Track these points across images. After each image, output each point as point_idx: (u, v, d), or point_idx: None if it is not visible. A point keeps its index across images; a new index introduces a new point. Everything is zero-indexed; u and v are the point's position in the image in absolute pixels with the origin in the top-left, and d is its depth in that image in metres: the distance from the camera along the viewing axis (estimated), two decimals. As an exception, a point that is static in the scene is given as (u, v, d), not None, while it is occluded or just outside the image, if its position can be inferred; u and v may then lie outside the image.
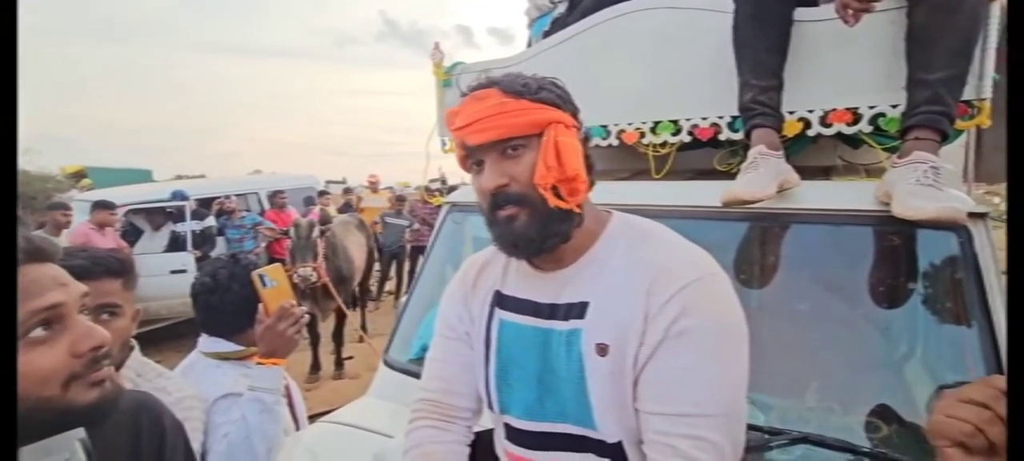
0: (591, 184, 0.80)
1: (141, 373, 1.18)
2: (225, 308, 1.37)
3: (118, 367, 1.15)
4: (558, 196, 0.73)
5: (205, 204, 6.34)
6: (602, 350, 0.73)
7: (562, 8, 1.77)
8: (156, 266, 5.44)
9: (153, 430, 0.88)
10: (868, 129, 1.28)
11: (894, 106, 1.24)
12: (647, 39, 1.52)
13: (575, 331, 0.76)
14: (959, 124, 1.17)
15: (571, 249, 0.78)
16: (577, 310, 0.77)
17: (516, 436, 0.84)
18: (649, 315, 0.71)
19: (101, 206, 5.13)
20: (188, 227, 5.82)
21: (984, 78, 1.16)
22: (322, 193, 7.63)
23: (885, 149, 1.33)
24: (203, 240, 5.91)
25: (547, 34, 1.81)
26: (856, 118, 1.29)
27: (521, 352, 0.82)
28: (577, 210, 0.76)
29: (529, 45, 2.20)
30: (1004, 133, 1.32)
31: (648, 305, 0.71)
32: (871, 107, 1.27)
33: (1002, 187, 1.55)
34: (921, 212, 1.02)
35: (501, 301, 0.86)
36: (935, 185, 1.05)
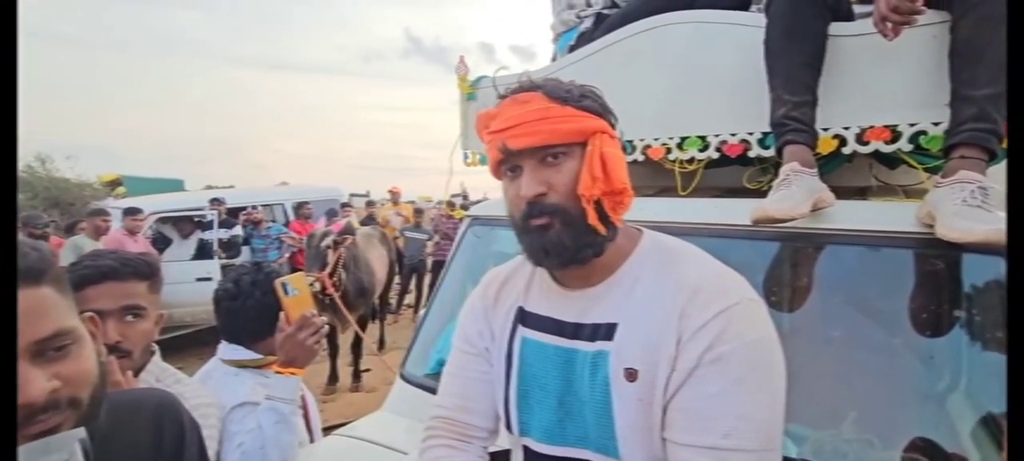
0: None
1: (160, 378, 1.19)
2: (246, 314, 1.38)
3: (139, 370, 1.15)
4: (600, 210, 0.71)
5: (233, 213, 6.49)
6: (631, 375, 0.70)
7: (589, 22, 1.76)
8: (183, 273, 5.56)
9: (173, 428, 0.88)
10: (908, 148, 1.23)
11: (936, 124, 1.18)
12: (674, 53, 1.50)
13: (602, 353, 0.73)
14: (1006, 142, 1.11)
15: (601, 266, 0.75)
16: (605, 331, 0.73)
17: (535, 460, 0.80)
18: (682, 340, 0.67)
19: (129, 213, 5.37)
20: (215, 235, 5.95)
21: (1034, 95, 1.10)
22: (345, 205, 7.73)
23: (926, 169, 1.27)
24: (229, 247, 6.04)
25: (573, 49, 1.79)
26: (895, 136, 1.23)
27: (543, 372, 0.79)
28: (618, 225, 0.73)
29: (553, 60, 2.20)
30: None
31: (681, 328, 0.67)
32: (911, 125, 1.21)
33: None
34: (969, 234, 0.96)
35: (524, 318, 0.83)
36: (983, 206, 0.99)
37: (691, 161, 1.50)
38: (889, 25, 1.08)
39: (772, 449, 0.66)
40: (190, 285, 5.49)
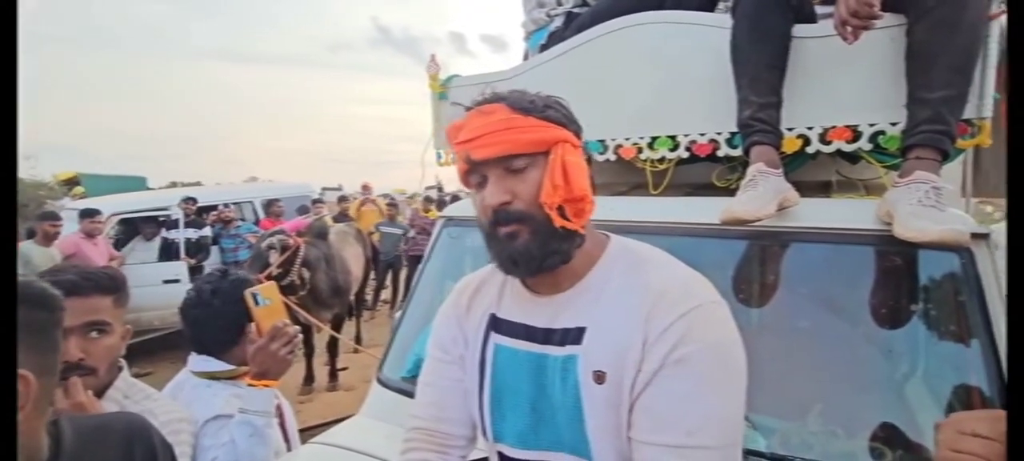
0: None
1: (129, 395, 1.16)
2: (210, 324, 1.35)
3: (106, 388, 1.12)
4: (563, 216, 0.72)
5: (201, 212, 6.31)
6: (599, 377, 0.71)
7: (559, 22, 1.77)
8: (149, 276, 5.39)
9: (144, 453, 0.86)
10: (868, 147, 1.27)
11: (894, 124, 1.23)
12: (645, 54, 1.51)
13: (571, 357, 0.74)
14: (960, 143, 1.16)
15: (569, 272, 0.77)
16: (574, 335, 0.75)
17: None
18: (648, 342, 0.69)
19: (87, 215, 5.06)
20: (181, 235, 5.77)
21: (984, 97, 1.15)
22: (317, 201, 7.59)
23: (885, 167, 1.32)
24: (198, 249, 5.87)
25: (544, 47, 1.79)
26: (856, 136, 1.28)
27: (515, 378, 0.80)
28: (581, 231, 0.75)
29: (525, 58, 2.20)
30: (1002, 149, 1.31)
31: (647, 331, 0.69)
32: (871, 125, 1.26)
33: (996, 199, 1.53)
34: (924, 234, 1.00)
35: (496, 325, 0.84)
36: (937, 206, 1.04)
37: (662, 160, 1.53)
38: (849, 29, 1.11)
39: (733, 445, 0.68)
40: (157, 288, 5.33)
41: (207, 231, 6.01)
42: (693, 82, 1.45)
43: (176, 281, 5.44)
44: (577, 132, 0.78)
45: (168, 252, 5.78)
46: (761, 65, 1.27)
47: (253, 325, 1.26)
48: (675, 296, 0.70)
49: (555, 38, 1.75)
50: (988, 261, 1.10)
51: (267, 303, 1.27)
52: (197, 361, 1.35)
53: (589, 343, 0.74)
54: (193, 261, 5.70)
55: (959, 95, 1.10)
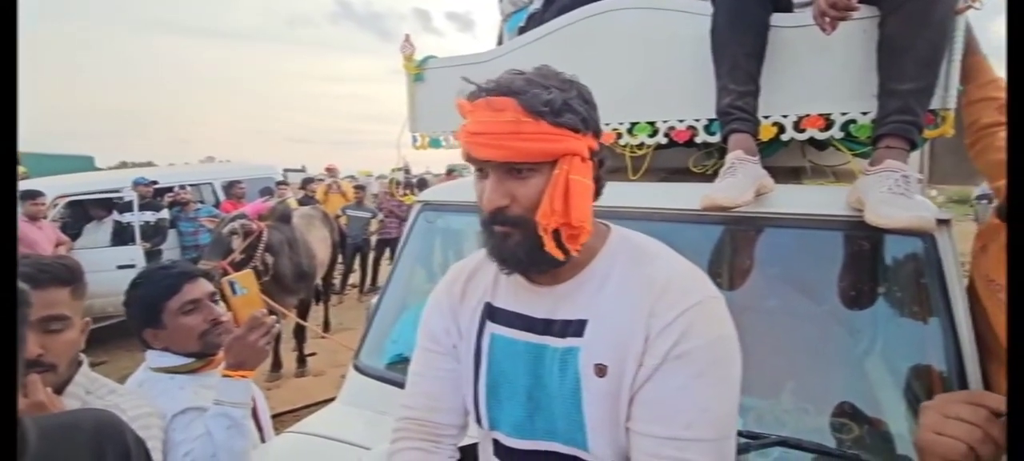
0: (598, 193, 0.78)
1: (91, 390, 1.10)
2: (130, 312, 1.30)
3: (66, 384, 1.06)
4: (557, 241, 0.70)
5: (158, 194, 6.03)
6: (600, 371, 0.72)
7: (538, 3, 1.74)
8: (102, 261, 5.13)
9: (117, 450, 0.82)
10: (840, 135, 1.31)
11: (865, 113, 1.27)
12: (624, 39, 1.51)
13: (572, 349, 0.74)
14: (926, 133, 1.21)
15: (570, 264, 0.75)
16: (575, 328, 0.75)
17: (504, 453, 0.82)
18: (650, 337, 0.69)
19: (28, 197, 4.72)
20: (137, 218, 5.50)
21: (949, 89, 1.20)
22: (281, 183, 7.37)
23: (855, 154, 1.37)
24: (155, 232, 5.61)
25: (523, 30, 1.77)
26: (828, 124, 1.31)
27: (512, 368, 0.80)
28: (574, 254, 0.72)
29: (500, 41, 2.17)
30: (958, 139, 1.37)
31: (649, 326, 0.70)
32: (843, 114, 1.30)
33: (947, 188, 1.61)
34: (894, 221, 1.05)
35: (492, 314, 0.83)
36: (906, 194, 1.08)
37: (641, 146, 1.54)
38: (827, 19, 1.14)
39: (728, 438, 0.69)
40: (111, 273, 5.07)
41: (165, 214, 5.73)
42: (673, 68, 1.46)
43: (131, 266, 5.19)
44: (596, 132, 0.75)
45: (122, 236, 5.50)
46: (740, 53, 1.28)
47: (230, 314, 1.22)
48: (677, 292, 0.70)
49: (534, 20, 1.72)
50: (948, 245, 1.16)
51: (244, 292, 1.23)
52: (154, 357, 1.30)
53: (590, 336, 0.73)
54: (149, 246, 5.45)
55: (927, 87, 1.15)
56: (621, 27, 1.51)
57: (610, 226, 0.82)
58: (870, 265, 1.26)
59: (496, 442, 0.83)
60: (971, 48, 1.24)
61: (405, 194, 1.93)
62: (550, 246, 0.69)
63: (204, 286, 1.29)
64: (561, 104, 0.69)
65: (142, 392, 1.24)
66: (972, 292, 1.16)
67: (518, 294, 0.81)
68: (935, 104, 1.20)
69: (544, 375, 0.77)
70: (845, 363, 1.24)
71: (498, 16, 2.17)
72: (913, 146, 1.17)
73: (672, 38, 1.45)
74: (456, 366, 0.87)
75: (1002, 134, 1.23)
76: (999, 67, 1.33)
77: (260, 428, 1.42)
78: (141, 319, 1.28)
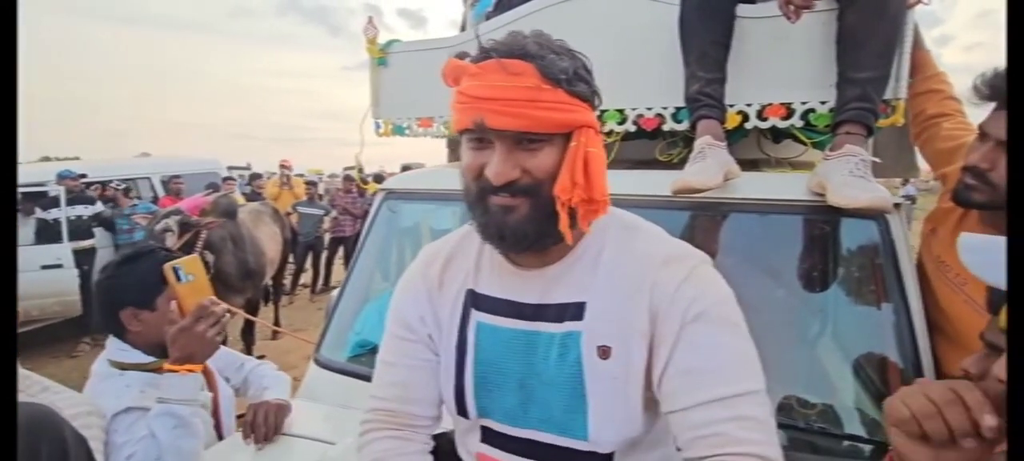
0: None
1: (23, 389, 0.99)
2: (114, 283, 1.20)
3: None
4: (572, 217, 0.66)
5: (88, 188, 5.60)
6: (605, 353, 0.69)
7: (506, -11, 1.72)
8: (25, 261, 4.72)
9: (53, 448, 0.74)
10: (800, 124, 1.36)
11: (823, 102, 1.32)
12: (593, 26, 1.51)
13: (572, 334, 0.71)
14: (880, 122, 1.27)
15: (558, 243, 0.71)
16: (573, 311, 0.72)
17: (497, 439, 0.78)
18: (659, 310, 0.67)
19: None
20: (64, 214, 5.08)
21: (900, 80, 1.26)
22: (227, 178, 7.01)
23: (813, 143, 1.42)
24: (87, 231, 5.21)
25: (490, 16, 1.74)
26: (789, 113, 1.36)
27: (501, 356, 0.76)
28: (585, 230, 0.69)
29: (463, 28, 2.13)
30: (895, 131, 1.45)
31: (654, 299, 0.67)
32: (803, 103, 1.34)
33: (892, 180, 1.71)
34: (855, 201, 1.09)
35: (476, 301, 0.79)
36: (866, 177, 1.14)
37: (610, 134, 1.54)
38: (792, 7, 1.17)
39: (764, 389, 0.66)
40: (35, 274, 4.69)
41: (99, 208, 5.31)
42: (641, 56, 1.48)
43: (58, 266, 4.82)
44: (598, 107, 0.72)
45: (47, 234, 5.08)
46: (708, 41, 1.31)
47: (174, 304, 1.13)
48: (677, 261, 0.69)
49: (502, 7, 1.70)
50: (900, 227, 1.22)
51: (189, 279, 1.14)
52: (115, 348, 1.20)
53: (591, 318, 0.70)
54: (78, 244, 5.06)
55: (883, 76, 1.21)
56: (590, 14, 1.51)
57: None
58: (829, 247, 1.31)
59: (487, 429, 0.80)
60: (917, 43, 1.32)
61: (367, 184, 1.85)
62: (565, 222, 0.65)
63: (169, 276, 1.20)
64: (573, 73, 0.66)
65: (91, 388, 1.15)
66: (921, 272, 1.23)
67: (503, 279, 0.77)
68: (888, 94, 1.26)
69: (537, 362, 0.73)
70: (804, 341, 1.29)
71: (462, 5, 2.13)
72: (870, 132, 1.23)
73: (641, 26, 1.46)
74: (431, 355, 0.82)
75: (946, 124, 1.31)
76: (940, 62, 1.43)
77: (219, 427, 1.33)
78: (127, 295, 1.18)
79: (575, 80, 0.66)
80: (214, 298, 1.15)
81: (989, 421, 0.56)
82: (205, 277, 1.18)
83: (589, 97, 0.68)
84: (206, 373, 1.28)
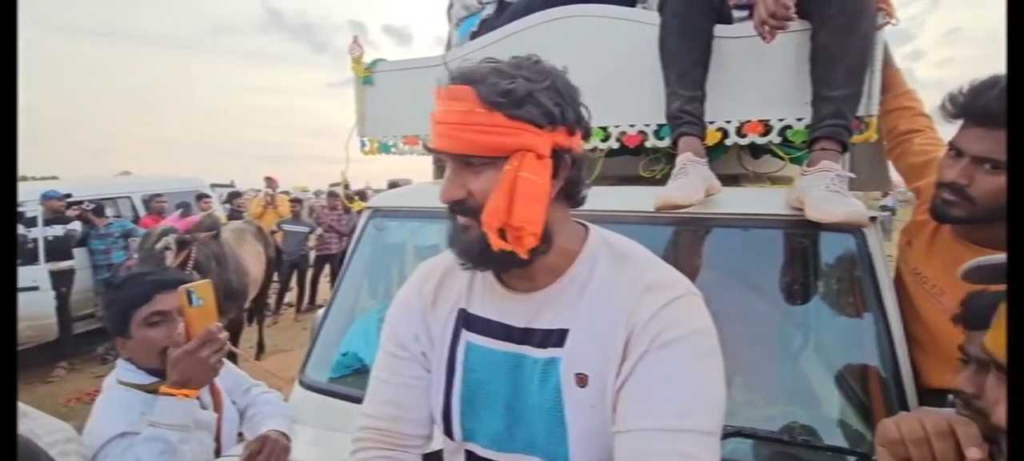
0: (580, 202, 0.75)
1: (-4, 415, 0.96)
2: (105, 315, 1.23)
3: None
4: (503, 238, 0.66)
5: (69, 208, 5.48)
6: (581, 380, 0.69)
7: (491, 9, 1.75)
8: (-3, 283, 4.59)
9: None
10: (777, 140, 1.39)
11: (800, 119, 1.36)
12: (577, 46, 1.54)
13: (552, 360, 0.71)
14: (854, 138, 1.31)
15: (548, 268, 0.72)
16: (555, 337, 0.72)
17: None
18: (633, 332, 0.67)
19: None
20: (41, 234, 4.97)
21: (872, 97, 1.30)
22: (202, 196, 6.90)
23: (791, 159, 1.46)
24: (61, 249, 5.09)
25: (475, 35, 1.77)
26: (767, 129, 1.39)
27: (489, 378, 0.76)
28: (523, 257, 0.67)
29: (449, 47, 2.15)
30: (870, 146, 1.49)
31: (630, 325, 0.67)
32: (780, 120, 1.38)
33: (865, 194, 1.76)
34: (833, 216, 1.12)
35: (467, 321, 0.79)
36: (842, 191, 1.17)
37: (594, 151, 1.57)
38: (767, 27, 1.21)
39: (718, 434, 0.64)
40: (8, 297, 4.56)
41: (76, 226, 5.19)
42: (623, 75, 1.51)
43: (33, 288, 4.69)
44: (569, 124, 0.69)
45: (23, 255, 4.95)
46: (688, 61, 1.34)
47: (182, 325, 1.11)
48: (659, 289, 0.68)
49: (487, 26, 1.73)
50: (877, 241, 1.25)
51: (201, 303, 1.12)
52: (122, 368, 1.20)
53: (571, 346, 0.71)
54: (56, 265, 4.94)
55: (856, 93, 1.25)
56: (573, 34, 1.54)
57: (589, 227, 0.79)
58: (808, 261, 1.33)
59: (471, 453, 0.79)
60: (887, 61, 1.37)
61: (353, 201, 1.85)
62: (498, 245, 0.65)
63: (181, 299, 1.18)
64: (523, 95, 0.64)
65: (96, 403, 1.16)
66: (899, 284, 1.26)
67: (495, 301, 0.77)
68: (861, 111, 1.30)
69: (523, 386, 0.74)
70: (787, 354, 1.31)
71: (447, 23, 2.16)
72: (845, 148, 1.27)
73: (623, 46, 1.50)
74: (424, 374, 0.82)
75: (917, 140, 1.36)
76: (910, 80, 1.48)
77: (220, 451, 1.30)
78: (112, 325, 1.20)
79: (522, 102, 0.64)
80: (220, 325, 1.14)
81: (974, 454, 0.57)
82: (214, 303, 1.16)
83: (538, 120, 0.65)
84: (214, 392, 1.27)
